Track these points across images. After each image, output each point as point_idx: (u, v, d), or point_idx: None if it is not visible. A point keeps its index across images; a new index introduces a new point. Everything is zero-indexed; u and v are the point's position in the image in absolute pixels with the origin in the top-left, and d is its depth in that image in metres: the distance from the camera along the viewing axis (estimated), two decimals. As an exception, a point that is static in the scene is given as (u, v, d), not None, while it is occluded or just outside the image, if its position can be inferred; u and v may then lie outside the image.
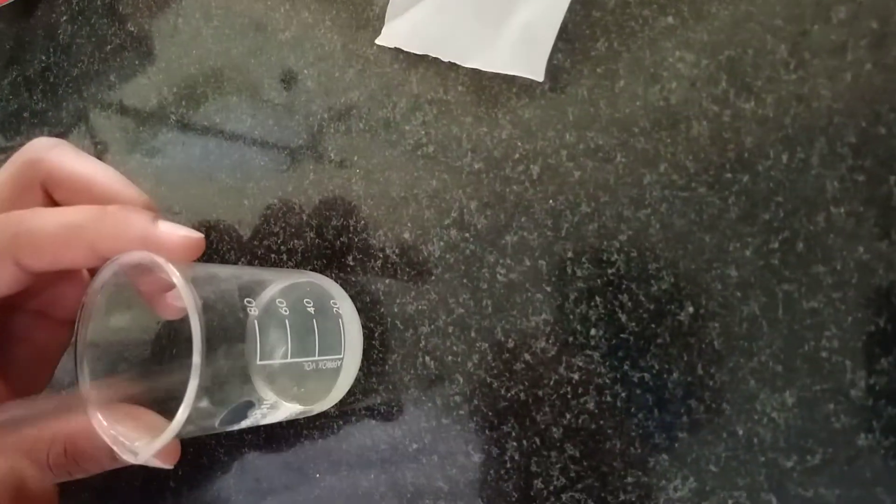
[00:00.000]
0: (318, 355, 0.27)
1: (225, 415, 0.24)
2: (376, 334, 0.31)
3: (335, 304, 0.29)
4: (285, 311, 0.26)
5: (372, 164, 0.31)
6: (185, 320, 0.22)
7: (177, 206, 0.39)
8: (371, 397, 0.31)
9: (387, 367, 0.31)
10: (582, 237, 0.26)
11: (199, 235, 0.25)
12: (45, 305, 0.28)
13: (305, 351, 0.26)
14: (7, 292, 0.25)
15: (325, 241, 0.33)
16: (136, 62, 0.41)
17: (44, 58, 0.45)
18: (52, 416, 0.25)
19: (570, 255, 0.27)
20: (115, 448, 0.23)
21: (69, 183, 0.26)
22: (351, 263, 0.32)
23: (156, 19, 0.40)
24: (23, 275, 0.24)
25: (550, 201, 0.27)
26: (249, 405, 0.25)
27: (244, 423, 0.26)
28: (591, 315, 0.26)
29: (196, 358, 0.21)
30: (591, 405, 0.26)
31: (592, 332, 0.26)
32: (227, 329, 0.23)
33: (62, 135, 0.45)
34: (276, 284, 0.26)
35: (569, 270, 0.27)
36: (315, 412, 0.29)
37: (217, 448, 0.36)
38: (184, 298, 0.22)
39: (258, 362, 0.24)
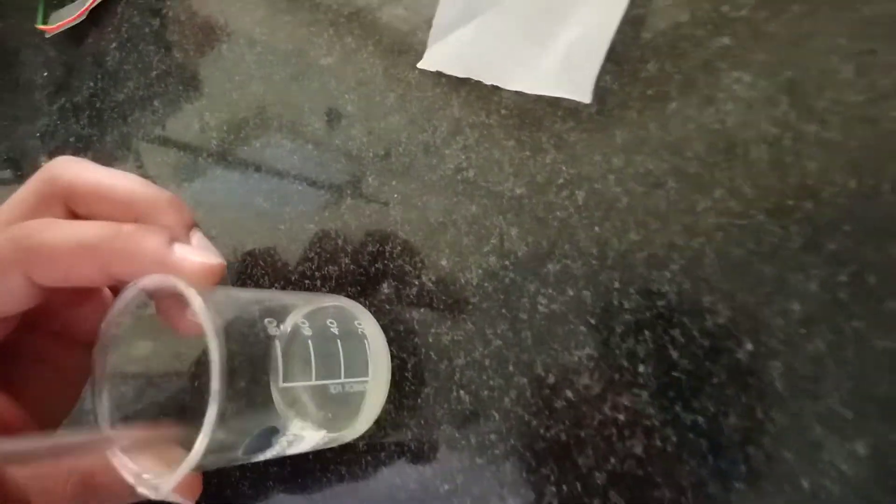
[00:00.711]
0: (344, 377, 0.26)
1: (249, 443, 0.23)
2: (409, 365, 0.30)
3: (359, 325, 0.27)
4: (308, 331, 0.25)
5: (410, 188, 0.30)
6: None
7: (213, 230, 0.38)
8: (401, 432, 0.30)
9: (419, 400, 0.29)
10: (630, 266, 0.25)
11: (216, 261, 0.23)
12: (66, 326, 0.27)
13: (330, 373, 0.25)
14: (19, 308, 0.24)
15: (359, 268, 0.32)
16: (181, 88, 0.41)
17: (91, 84, 0.46)
18: (70, 450, 0.24)
19: (616, 285, 0.25)
20: (133, 483, 0.22)
21: (90, 195, 0.25)
22: (386, 291, 0.31)
23: (201, 46, 0.40)
24: (34, 290, 0.23)
25: (596, 228, 0.26)
26: (274, 432, 0.23)
27: (270, 453, 0.24)
28: (639, 350, 0.24)
29: (215, 384, 0.20)
30: (638, 449, 0.24)
31: (641, 368, 0.24)
32: (249, 352, 0.22)
33: (107, 160, 0.45)
34: (300, 308, 0.25)
35: (615, 302, 0.25)
36: (343, 441, 0.28)
37: (241, 481, 0.34)
38: (202, 321, 0.21)
39: (282, 385, 0.23)
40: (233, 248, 0.37)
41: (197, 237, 0.25)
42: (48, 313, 0.26)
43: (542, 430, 0.26)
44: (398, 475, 0.29)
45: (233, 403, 0.21)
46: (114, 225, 0.23)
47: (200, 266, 0.23)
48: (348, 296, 0.32)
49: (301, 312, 0.25)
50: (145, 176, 0.42)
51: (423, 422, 0.29)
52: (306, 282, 0.33)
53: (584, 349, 0.25)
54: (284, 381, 0.23)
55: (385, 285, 0.31)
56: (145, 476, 0.22)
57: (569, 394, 0.26)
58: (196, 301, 0.21)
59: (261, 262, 0.36)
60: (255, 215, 0.36)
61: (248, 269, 0.36)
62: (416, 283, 0.30)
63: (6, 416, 0.25)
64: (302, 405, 0.24)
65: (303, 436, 0.25)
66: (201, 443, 0.20)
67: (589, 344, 0.25)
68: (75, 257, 0.23)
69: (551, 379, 0.26)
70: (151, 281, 0.22)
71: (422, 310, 0.30)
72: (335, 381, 0.25)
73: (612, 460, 0.25)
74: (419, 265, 0.30)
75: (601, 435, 0.25)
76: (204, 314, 0.21)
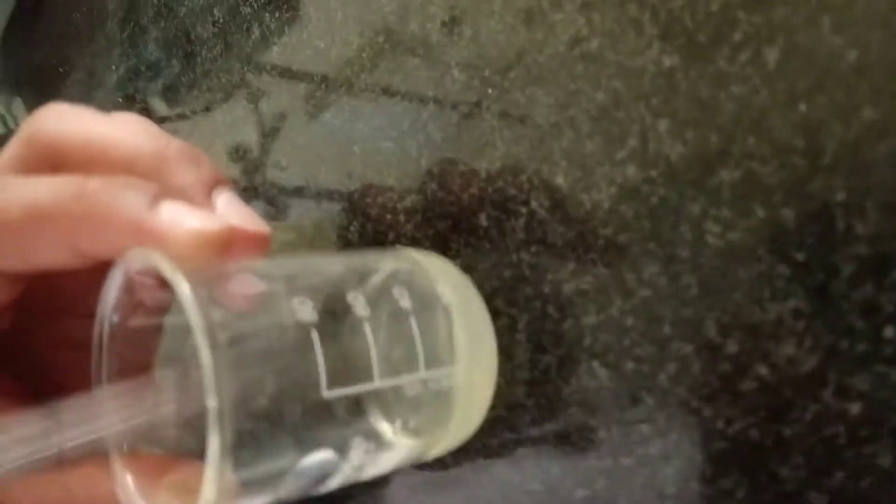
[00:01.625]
0: (424, 370, 0.18)
1: (294, 477, 0.16)
2: (520, 324, 0.22)
3: (441, 291, 0.19)
4: (364, 310, 0.17)
5: (508, 78, 0.22)
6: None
7: (284, 160, 0.32)
8: (517, 414, 0.22)
9: (536, 373, 0.21)
10: (864, 165, 0.15)
11: (220, 227, 0.16)
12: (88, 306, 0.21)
13: (401, 366, 0.18)
14: None
15: (449, 195, 0.24)
16: (288, 16, 0.34)
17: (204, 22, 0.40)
18: (71, 474, 0.18)
19: (841, 196, 0.15)
20: None
21: (79, 153, 0.18)
22: (484, 224, 0.22)
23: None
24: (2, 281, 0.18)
25: (801, 106, 0.16)
26: (327, 462, 0.16)
27: (333, 483, 0.18)
28: (883, 303, 0.15)
29: (211, 401, 0.14)
30: (885, 460, 0.15)
31: (887, 332, 0.15)
32: (271, 350, 0.15)
33: (222, 101, 0.39)
34: (347, 276, 0.18)
35: (840, 224, 0.15)
36: (438, 452, 0.21)
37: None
38: (189, 316, 0.14)
39: (326, 395, 0.16)
40: (304, 181, 0.30)
41: (224, 198, 0.18)
42: (63, 293, 0.21)
43: (720, 424, 0.17)
44: (517, 473, 0.22)
45: (252, 427, 0.15)
46: (77, 181, 0.17)
47: (194, 235, 0.16)
48: (438, 232, 0.24)
49: (354, 283, 0.18)
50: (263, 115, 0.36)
51: (543, 401, 0.21)
52: (388, 216, 0.26)
53: (787, 301, 0.16)
54: (330, 389, 0.16)
55: (483, 216, 0.22)
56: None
57: (762, 370, 0.17)
58: (181, 287, 0.14)
59: (336, 196, 0.29)
60: (325, 135, 0.29)
61: (322, 206, 0.30)
62: (524, 210, 0.21)
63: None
64: (363, 417, 0.17)
65: (375, 457, 0.18)
66: (209, 487, 0.14)
67: (795, 293, 0.16)
68: (27, 231, 0.16)
69: (732, 347, 0.17)
70: (136, 264, 0.16)
71: (533, 248, 0.21)
72: (410, 377, 0.18)
73: (839, 475, 0.15)
74: (526, 186, 0.21)
75: (819, 435, 0.16)
76: (191, 306, 0.14)
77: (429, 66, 0.24)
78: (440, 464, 0.24)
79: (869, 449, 0.15)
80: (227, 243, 0.17)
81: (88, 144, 0.18)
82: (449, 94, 0.23)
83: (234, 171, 0.36)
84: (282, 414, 0.15)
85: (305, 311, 0.16)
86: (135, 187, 0.17)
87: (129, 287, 0.17)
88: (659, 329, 0.18)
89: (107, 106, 0.50)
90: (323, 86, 0.29)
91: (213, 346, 0.14)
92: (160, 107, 0.45)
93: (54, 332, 0.21)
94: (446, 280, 0.20)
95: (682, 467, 0.18)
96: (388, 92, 0.26)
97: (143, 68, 0.44)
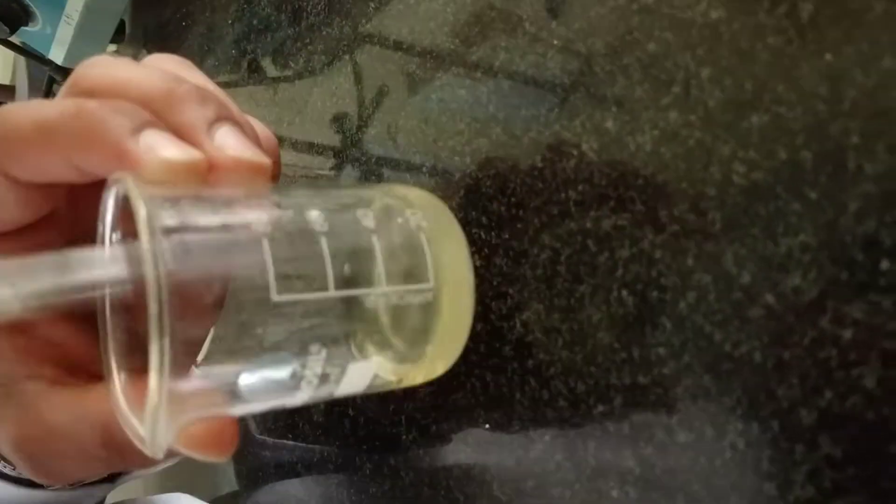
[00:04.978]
0: (386, 284, 0.20)
1: (249, 378, 0.18)
2: (562, 258, 0.24)
3: (413, 214, 0.21)
4: (322, 226, 0.19)
5: (573, 29, 0.24)
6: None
7: (382, 132, 0.35)
8: (552, 339, 0.24)
9: (572, 300, 0.23)
10: (880, 111, 0.16)
11: (191, 157, 0.18)
12: None
13: (360, 280, 0.19)
14: (17, 215, 0.20)
15: (511, 138, 0.26)
16: None
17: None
18: (87, 394, 0.21)
19: (855, 139, 0.17)
20: (131, 436, 0.18)
21: (106, 93, 0.20)
22: (539, 165, 0.25)
23: None
24: (20, 192, 0.20)
25: (828, 55, 0.17)
26: (283, 364, 0.18)
27: (303, 394, 0.19)
28: (883, 237, 0.16)
29: (153, 306, 0.15)
30: (869, 382, 0.16)
31: (884, 264, 0.16)
32: (220, 255, 0.17)
33: (325, 67, 0.43)
34: (319, 198, 0.20)
35: (851, 165, 0.17)
36: (417, 376, 0.22)
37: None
38: (140, 232, 0.16)
39: (275, 298, 0.17)
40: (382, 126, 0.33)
41: (223, 132, 0.20)
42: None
43: (728, 347, 0.19)
44: (548, 388, 0.24)
45: (195, 329, 0.16)
46: (75, 102, 0.19)
47: (164, 161, 0.18)
48: (497, 174, 0.26)
49: (325, 204, 0.20)
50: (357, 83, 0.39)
51: (576, 327, 0.23)
52: (456, 158, 0.28)
53: (798, 236, 0.18)
54: (279, 294, 0.17)
55: (538, 158, 0.25)
56: (134, 426, 0.18)
57: (770, 298, 0.18)
58: (140, 208, 0.16)
59: (412, 139, 0.31)
60: (399, 82, 0.32)
61: (401, 148, 0.32)
62: (575, 153, 0.23)
63: (72, 344, 0.23)
64: (322, 326, 0.18)
65: (344, 368, 0.19)
66: (155, 382, 0.15)
67: (805, 229, 0.17)
68: (36, 143, 0.19)
69: (746, 277, 0.19)
70: (120, 183, 0.17)
71: (580, 187, 0.23)
72: (368, 291, 0.19)
73: (829, 395, 0.17)
74: (578, 130, 0.23)
75: (814, 358, 0.17)
76: (143, 226, 0.15)
77: (531, 45, 0.27)
78: (482, 381, 0.26)
79: (856, 371, 0.16)
80: (203, 171, 0.18)
81: (114, 87, 0.20)
82: (514, 56, 0.26)
83: (334, 140, 0.38)
84: (230, 315, 0.17)
85: (261, 225, 0.18)
86: (123, 112, 0.18)
87: (123, 208, 0.18)
88: (683, 261, 0.20)
89: (223, 61, 0.55)
90: (428, 59, 0.31)
91: (157, 252, 0.15)
92: (270, 68, 0.49)
93: None
94: (420, 204, 0.21)
95: (691, 386, 0.20)
96: (490, 69, 0.28)
97: (255, 22, 0.48)
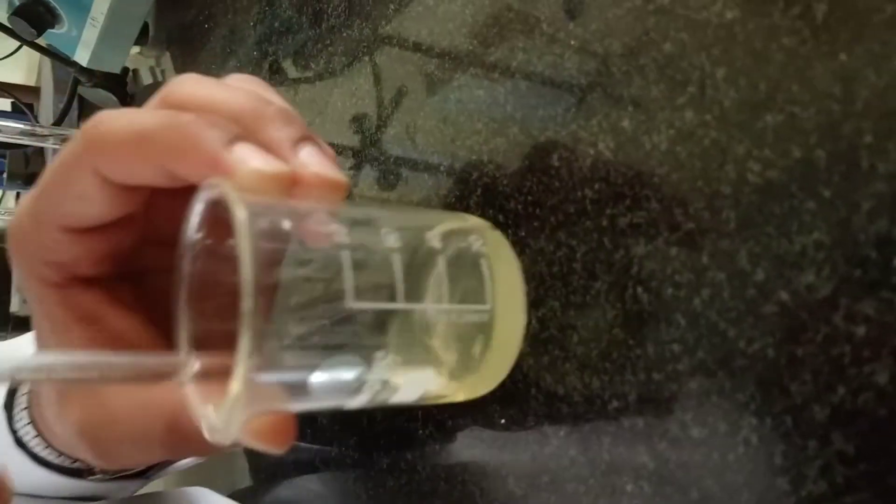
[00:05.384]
0: (449, 303, 0.21)
1: (320, 378, 0.19)
2: (578, 255, 0.24)
3: (476, 240, 0.22)
4: (394, 243, 0.20)
5: (590, 30, 0.24)
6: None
7: (401, 132, 0.35)
8: (567, 334, 0.24)
9: (588, 297, 0.24)
10: (892, 111, 0.16)
11: (280, 169, 0.19)
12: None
13: (425, 296, 0.20)
14: (102, 213, 0.22)
15: (528, 138, 0.26)
16: None
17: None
18: (136, 371, 0.22)
19: (868, 139, 0.17)
20: (202, 425, 0.19)
21: (198, 110, 0.22)
22: (556, 164, 0.25)
23: None
24: (112, 191, 0.21)
25: (841, 55, 0.17)
26: (352, 367, 0.19)
27: (363, 397, 0.20)
28: (894, 235, 0.16)
29: (247, 304, 0.16)
30: (881, 378, 0.16)
31: (897, 262, 0.16)
32: (306, 262, 0.18)
33: (345, 68, 0.43)
34: (389, 223, 0.21)
35: (864, 164, 0.17)
36: (470, 391, 0.23)
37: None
38: (237, 235, 0.17)
39: (352, 304, 0.18)
40: (404, 128, 0.33)
41: (307, 150, 0.21)
42: (174, 222, 0.25)
43: (742, 344, 0.19)
44: (562, 384, 0.24)
45: (284, 327, 0.17)
46: (173, 113, 0.20)
47: (256, 174, 0.19)
48: (514, 172, 0.27)
49: (397, 223, 0.21)
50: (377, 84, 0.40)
51: (590, 323, 0.23)
52: (473, 157, 0.29)
53: (812, 234, 0.18)
54: (356, 301, 0.18)
55: (555, 157, 0.25)
56: (207, 411, 0.19)
57: (783, 296, 0.18)
58: (238, 212, 0.17)
59: (430, 139, 0.32)
60: (417, 84, 0.32)
61: (419, 147, 0.33)
62: (592, 152, 0.24)
63: (134, 337, 0.24)
64: (396, 336, 0.20)
65: (403, 375, 0.20)
66: (238, 381, 0.16)
67: (819, 227, 0.18)
68: (133, 148, 0.20)
69: (760, 275, 0.19)
70: (214, 188, 0.19)
71: (596, 185, 0.23)
72: (431, 307, 0.20)
73: (841, 391, 0.17)
74: (595, 129, 0.24)
75: (827, 355, 0.17)
76: (241, 226, 0.17)
77: (548, 46, 0.27)
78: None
79: (869, 368, 0.17)
80: (288, 183, 0.20)
81: (205, 103, 0.22)
82: (532, 57, 0.26)
83: (353, 140, 0.39)
84: (310, 317, 0.18)
85: (341, 233, 0.19)
86: (218, 126, 0.20)
87: (215, 211, 0.19)
88: (698, 259, 0.20)
89: (244, 62, 0.56)
90: (447, 60, 0.31)
91: (254, 255, 0.16)
92: (291, 69, 0.49)
93: (173, 261, 0.26)
94: (482, 235, 0.23)
95: (705, 382, 0.20)
96: (508, 70, 0.29)
97: (276, 24, 0.49)
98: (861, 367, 0.17)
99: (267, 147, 0.20)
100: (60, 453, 0.29)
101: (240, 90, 0.22)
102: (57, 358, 0.18)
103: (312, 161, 0.21)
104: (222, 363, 0.19)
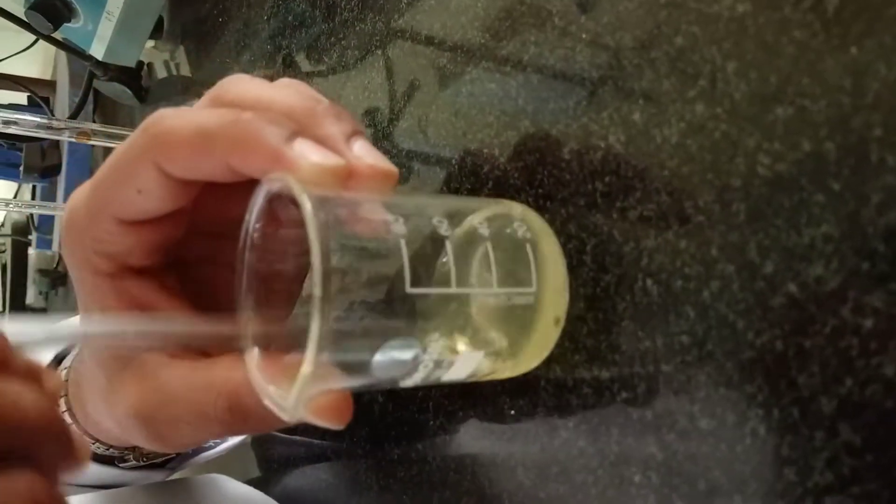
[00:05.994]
0: (497, 286, 0.22)
1: (380, 359, 0.20)
2: (588, 247, 0.24)
3: (520, 225, 0.23)
4: (445, 230, 0.21)
5: (602, 24, 0.24)
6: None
7: (413, 126, 0.35)
8: (575, 326, 0.24)
9: (597, 289, 0.24)
10: (903, 104, 0.16)
11: (338, 162, 0.21)
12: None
13: (476, 281, 0.21)
14: (160, 206, 0.23)
15: (539, 131, 0.26)
16: None
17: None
18: (212, 365, 0.23)
19: (878, 132, 0.17)
20: (267, 403, 0.20)
21: (250, 108, 0.23)
22: (566, 157, 0.25)
23: None
24: (171, 184, 0.22)
25: (852, 49, 0.17)
26: (410, 345, 0.20)
27: (417, 377, 0.21)
28: (906, 228, 0.16)
29: (317, 290, 0.17)
30: (889, 370, 0.16)
31: (906, 255, 0.16)
32: (369, 252, 0.19)
33: (358, 62, 0.44)
34: (444, 208, 0.22)
35: (874, 157, 0.17)
36: (513, 368, 0.24)
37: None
38: (307, 224, 0.18)
39: (409, 290, 0.19)
40: (416, 119, 0.34)
41: (359, 144, 0.22)
42: (225, 219, 0.26)
43: (750, 336, 0.19)
44: (571, 376, 0.25)
45: (349, 311, 0.19)
46: (234, 111, 0.21)
47: (317, 167, 0.20)
48: (525, 166, 0.27)
49: (445, 210, 0.22)
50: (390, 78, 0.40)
51: (600, 315, 0.24)
52: (485, 151, 0.29)
53: (820, 227, 0.18)
54: (413, 287, 0.20)
55: (566, 150, 0.25)
56: (272, 389, 0.20)
57: (792, 288, 0.18)
58: (304, 201, 0.18)
59: (442, 132, 0.32)
60: (431, 76, 0.32)
61: (431, 139, 0.33)
62: (602, 145, 0.24)
63: None
64: (444, 319, 0.21)
65: (454, 355, 0.21)
66: (308, 363, 0.18)
67: (828, 219, 0.18)
68: (195, 145, 0.21)
69: (769, 267, 0.19)
70: (276, 182, 0.20)
71: (606, 178, 0.24)
72: (484, 291, 0.21)
73: (848, 382, 0.17)
74: (606, 122, 0.24)
75: (835, 347, 0.17)
76: (309, 215, 0.18)
77: (560, 40, 0.27)
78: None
79: (876, 360, 0.17)
80: (345, 176, 0.21)
81: (259, 101, 0.23)
82: (543, 50, 0.26)
83: (366, 133, 0.39)
84: (373, 301, 0.19)
85: (398, 222, 0.20)
86: (277, 123, 0.21)
87: (272, 204, 0.21)
88: (707, 251, 0.21)
89: (258, 56, 0.56)
90: (459, 53, 0.32)
91: (323, 244, 0.18)
92: (304, 63, 0.50)
93: (215, 251, 0.26)
94: (525, 221, 0.24)
95: (713, 373, 0.20)
96: (520, 63, 0.29)
97: (290, 18, 0.49)
98: (869, 360, 0.17)
99: (322, 142, 0.22)
100: (95, 440, 0.30)
101: (289, 88, 0.24)
102: (128, 323, 0.20)
103: (365, 154, 0.22)
104: (279, 346, 0.21)
